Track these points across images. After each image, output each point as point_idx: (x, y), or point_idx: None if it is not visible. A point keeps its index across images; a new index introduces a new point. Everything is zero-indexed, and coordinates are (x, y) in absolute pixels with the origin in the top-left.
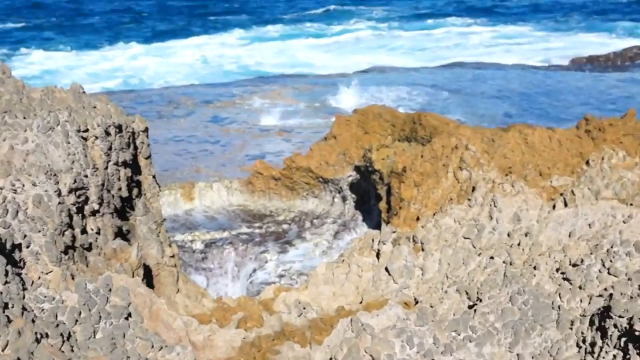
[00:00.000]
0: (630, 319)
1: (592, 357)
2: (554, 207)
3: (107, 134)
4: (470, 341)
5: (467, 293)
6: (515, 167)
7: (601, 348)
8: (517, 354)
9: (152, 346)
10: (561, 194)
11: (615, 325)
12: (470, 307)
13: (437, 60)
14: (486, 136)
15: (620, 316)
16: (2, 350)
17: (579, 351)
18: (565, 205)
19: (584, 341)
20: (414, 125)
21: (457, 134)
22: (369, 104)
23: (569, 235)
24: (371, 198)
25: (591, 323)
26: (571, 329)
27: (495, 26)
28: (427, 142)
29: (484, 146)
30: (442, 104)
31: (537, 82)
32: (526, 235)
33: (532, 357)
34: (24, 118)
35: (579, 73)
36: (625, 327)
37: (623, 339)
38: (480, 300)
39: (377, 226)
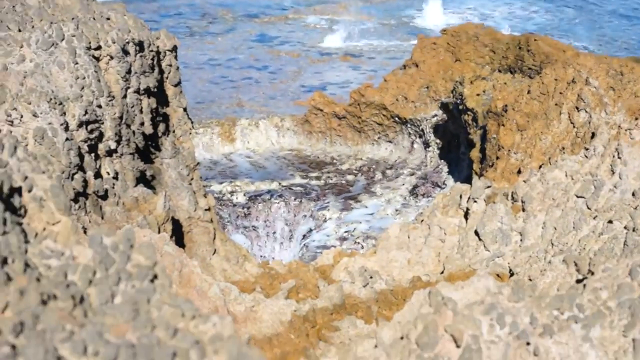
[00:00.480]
0: None
1: None
2: None
3: (125, 53)
4: (576, 322)
5: (576, 264)
6: None
7: None
8: (633, 339)
9: (183, 315)
10: None
11: None
12: (578, 281)
13: None
14: (613, 68)
15: None
16: (2, 313)
17: None
18: None
19: None
20: (520, 52)
21: (575, 65)
22: (463, 22)
23: None
24: (461, 144)
25: None
26: None
27: None
28: (536, 74)
29: (609, 81)
30: (561, 25)
31: None
32: None
33: None
34: (19, 31)
35: None
36: None
37: None
38: (592, 274)
39: (468, 180)
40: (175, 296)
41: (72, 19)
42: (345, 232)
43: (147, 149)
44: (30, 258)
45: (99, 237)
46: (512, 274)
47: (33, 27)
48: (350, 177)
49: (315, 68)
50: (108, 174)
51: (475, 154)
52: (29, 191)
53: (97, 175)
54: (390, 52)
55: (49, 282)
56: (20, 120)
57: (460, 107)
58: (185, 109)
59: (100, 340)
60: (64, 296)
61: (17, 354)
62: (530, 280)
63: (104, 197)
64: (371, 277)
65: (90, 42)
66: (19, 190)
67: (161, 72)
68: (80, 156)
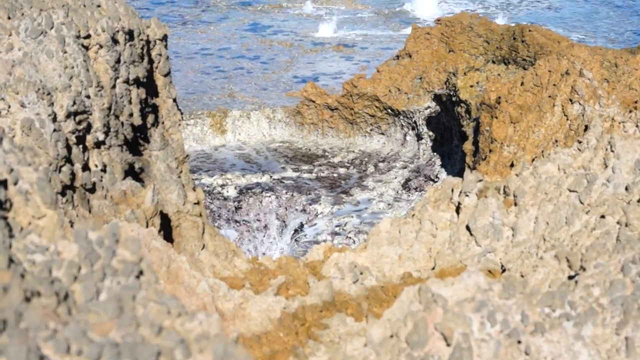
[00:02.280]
0: None
1: None
2: None
3: (115, 42)
4: (567, 319)
5: (567, 260)
6: None
7: None
8: (626, 337)
9: (169, 312)
10: None
11: None
12: (570, 277)
13: None
14: (607, 59)
15: None
16: None
17: None
18: None
19: None
20: (515, 43)
21: (569, 56)
22: (457, 11)
23: None
24: (454, 137)
25: None
26: None
27: None
28: (530, 65)
29: (603, 73)
30: (555, 16)
31: None
32: None
33: None
34: (9, 18)
35: None
36: None
37: None
38: (584, 270)
39: (460, 174)
40: (161, 293)
41: (62, 6)
42: (337, 226)
43: (136, 141)
44: (15, 253)
45: (84, 232)
46: (503, 270)
47: (23, 14)
48: (342, 170)
49: (307, 58)
50: (96, 166)
51: (468, 146)
52: (15, 184)
53: (85, 167)
54: (384, 42)
55: (33, 278)
56: (8, 111)
57: (454, 98)
58: (174, 100)
59: (84, 338)
60: (48, 293)
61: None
62: (522, 276)
63: (92, 190)
64: (361, 273)
65: (79, 31)
66: (4, 183)
67: (151, 61)
68: (68, 148)
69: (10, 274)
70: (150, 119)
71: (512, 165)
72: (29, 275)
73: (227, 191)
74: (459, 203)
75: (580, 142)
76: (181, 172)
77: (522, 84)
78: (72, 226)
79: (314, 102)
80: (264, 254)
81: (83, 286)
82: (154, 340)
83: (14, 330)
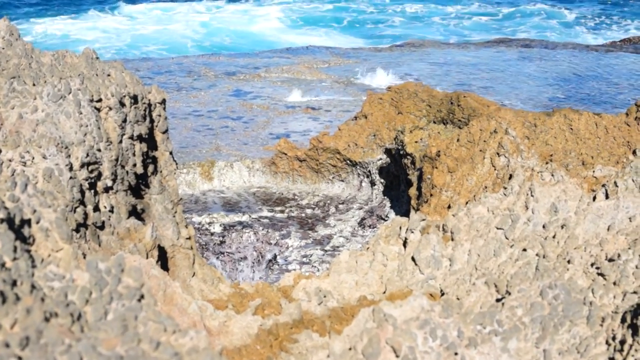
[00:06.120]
0: None
1: (621, 355)
2: (594, 198)
3: (122, 104)
4: (495, 335)
5: (495, 286)
6: (556, 154)
7: (631, 346)
8: (544, 350)
9: (165, 330)
10: (603, 185)
11: None
12: (498, 300)
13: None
14: (528, 120)
15: None
16: (11, 329)
17: (607, 348)
18: (607, 197)
19: (613, 338)
20: (452, 106)
21: (497, 117)
22: (404, 81)
23: (608, 229)
24: (401, 184)
25: (623, 320)
26: (601, 325)
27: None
28: (464, 125)
29: (525, 131)
30: (487, 85)
31: (589, 63)
32: (562, 227)
33: (559, 354)
34: (34, 85)
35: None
36: None
37: None
38: (509, 294)
39: (406, 214)
40: (159, 313)
41: (79, 75)
42: (304, 257)
43: (138, 187)
44: (36, 280)
45: (94, 262)
46: (443, 294)
47: (45, 82)
48: (309, 211)
49: (281, 119)
50: (105, 207)
51: (412, 191)
52: (37, 222)
53: (96, 208)
54: (344, 105)
55: (52, 302)
56: (32, 162)
57: (401, 152)
58: (171, 153)
59: (94, 352)
60: (64, 314)
61: None
62: (457, 299)
63: (101, 227)
64: (325, 296)
65: (92, 95)
66: (28, 222)
67: (152, 121)
68: (82, 192)
69: (32, 298)
70: (151, 168)
71: (449, 207)
72: (48, 299)
73: (213, 228)
74: (406, 238)
75: (505, 188)
76: (176, 212)
77: (458, 140)
78: (84, 258)
79: (286, 154)
80: (243, 280)
81: (93, 308)
82: (153, 353)
83: (35, 346)
